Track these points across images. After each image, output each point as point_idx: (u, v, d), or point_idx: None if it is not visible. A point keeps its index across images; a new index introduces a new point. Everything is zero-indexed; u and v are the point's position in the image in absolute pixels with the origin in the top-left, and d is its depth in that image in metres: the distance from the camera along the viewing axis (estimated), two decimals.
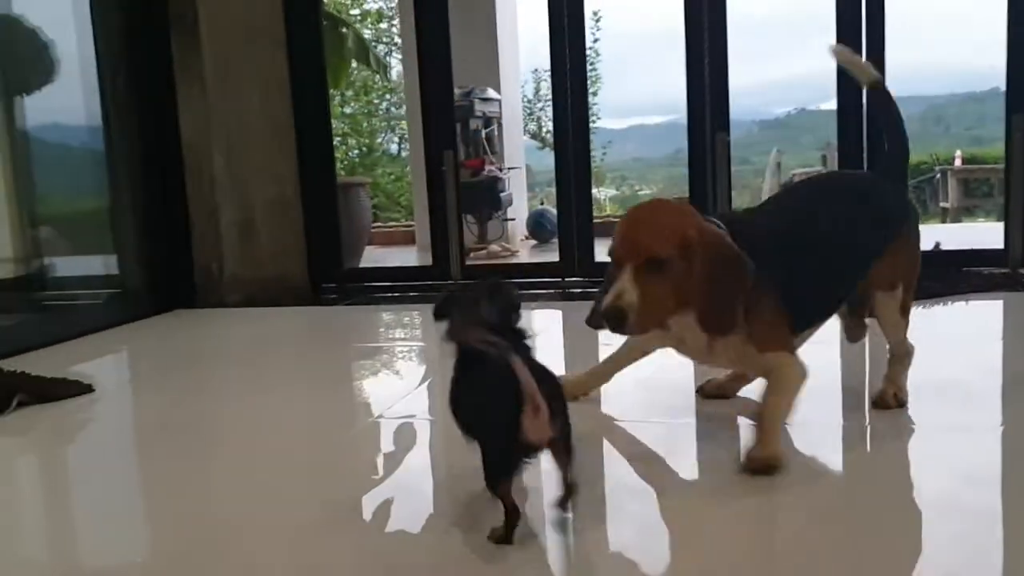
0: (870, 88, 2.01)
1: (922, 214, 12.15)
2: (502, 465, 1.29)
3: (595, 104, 11.37)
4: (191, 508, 1.61)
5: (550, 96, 4.36)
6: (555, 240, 4.69)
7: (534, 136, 14.04)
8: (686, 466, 1.72)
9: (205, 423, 2.21)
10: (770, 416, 1.62)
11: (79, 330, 3.37)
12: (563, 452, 1.32)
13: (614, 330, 1.54)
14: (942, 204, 10.63)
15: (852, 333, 2.00)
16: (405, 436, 1.99)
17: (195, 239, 3.98)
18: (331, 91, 5.40)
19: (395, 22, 13.11)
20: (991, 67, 3.66)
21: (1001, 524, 1.37)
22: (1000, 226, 3.74)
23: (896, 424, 1.82)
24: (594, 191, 12.35)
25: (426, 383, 2.45)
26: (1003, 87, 3.64)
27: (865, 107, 3.69)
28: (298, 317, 3.77)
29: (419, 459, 1.86)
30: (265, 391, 2.48)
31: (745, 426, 1.83)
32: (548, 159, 11.81)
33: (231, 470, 1.85)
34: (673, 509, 1.47)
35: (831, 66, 3.62)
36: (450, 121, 4.34)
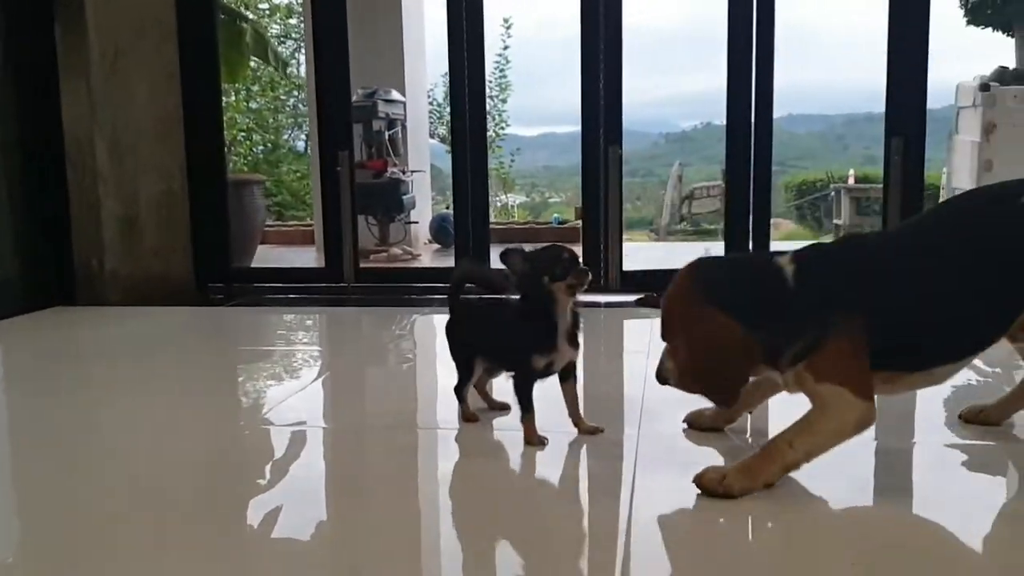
0: None
1: (817, 230, 12.57)
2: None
3: (505, 111, 11.47)
4: (61, 511, 1.55)
5: None
6: None
7: (443, 140, 14.00)
8: None
9: (79, 425, 2.13)
10: (773, 451, 1.52)
11: None
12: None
13: (664, 384, 1.63)
14: (835, 221, 10.99)
15: None
16: (291, 441, 1.95)
17: (75, 234, 3.84)
18: (234, 86, 5.29)
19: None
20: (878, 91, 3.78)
21: None
22: None
23: None
24: (503, 197, 12.38)
25: (310, 387, 2.42)
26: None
27: (753, 124, 3.79)
28: (181, 317, 3.66)
29: (306, 464, 1.83)
30: (143, 392, 2.41)
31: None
32: None
33: (106, 473, 1.78)
34: None
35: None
36: (346, 121, 4.28)
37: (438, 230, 7.06)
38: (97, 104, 3.76)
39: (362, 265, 4.36)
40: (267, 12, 13.64)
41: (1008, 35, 13.28)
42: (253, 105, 14.10)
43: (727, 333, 1.49)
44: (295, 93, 14.48)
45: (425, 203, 7.53)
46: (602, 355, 2.79)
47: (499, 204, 12.11)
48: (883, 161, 3.75)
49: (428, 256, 6.75)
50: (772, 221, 4.12)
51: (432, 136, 10.09)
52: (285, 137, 14.80)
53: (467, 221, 4.14)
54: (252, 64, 9.40)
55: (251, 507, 1.57)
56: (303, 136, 14.97)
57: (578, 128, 3.92)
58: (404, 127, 6.77)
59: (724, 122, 3.84)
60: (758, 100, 3.78)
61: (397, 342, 3.13)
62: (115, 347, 3.14)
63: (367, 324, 3.59)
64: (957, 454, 1.78)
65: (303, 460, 1.84)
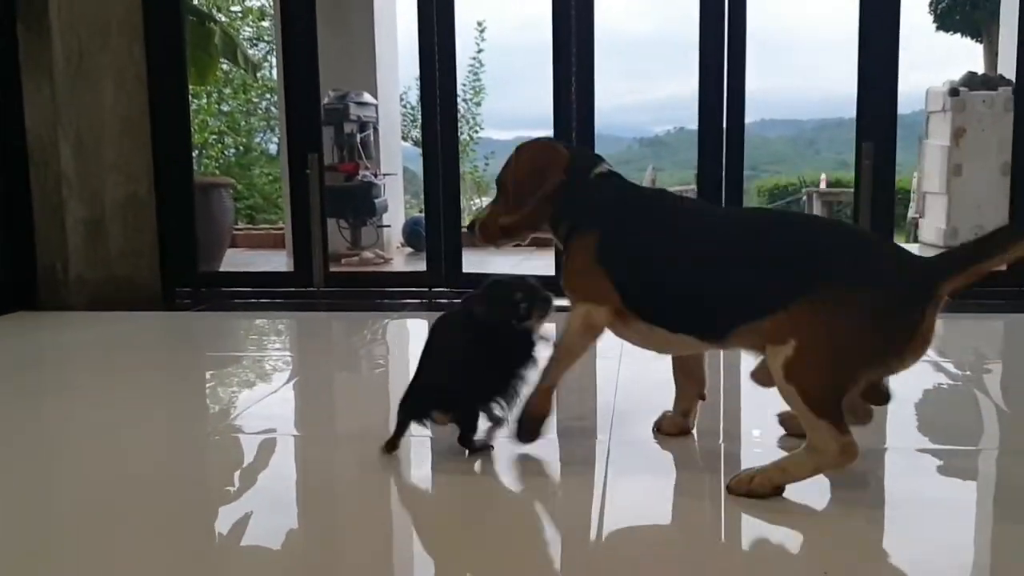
0: None
1: None
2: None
3: (479, 114, 11.41)
4: (21, 522, 1.51)
5: None
6: None
7: (417, 143, 13.95)
8: None
9: (40, 433, 2.07)
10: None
11: None
12: None
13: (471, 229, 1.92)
14: None
15: None
16: (261, 448, 1.91)
17: (38, 237, 3.77)
18: (206, 88, 5.22)
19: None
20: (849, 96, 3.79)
21: None
22: None
23: None
24: (477, 200, 12.35)
25: (280, 393, 2.38)
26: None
27: (725, 129, 3.80)
28: (147, 321, 3.60)
29: (275, 471, 1.78)
30: (108, 398, 2.36)
31: None
32: None
33: (68, 480, 1.74)
34: None
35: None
36: (316, 123, 4.24)
37: (411, 234, 7.00)
38: (61, 105, 3.69)
39: (333, 269, 4.32)
40: (239, 15, 13.53)
41: (977, 41, 13.44)
42: (225, 108, 13.99)
43: (552, 154, 1.78)
44: (267, 96, 14.38)
45: (398, 206, 7.47)
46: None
47: (474, 207, 12.09)
48: (854, 165, 3.78)
49: (401, 260, 6.70)
50: None
51: (405, 139, 10.04)
52: (257, 140, 14.71)
53: (439, 225, 4.11)
54: (223, 67, 9.31)
55: (220, 515, 1.53)
56: (275, 139, 14.87)
57: (551, 132, 3.90)
58: (376, 130, 6.71)
59: (696, 127, 3.84)
60: (730, 105, 3.78)
61: (369, 347, 3.10)
62: (79, 353, 3.08)
63: (337, 329, 3.55)
64: (929, 459, 1.78)
65: (273, 467, 1.81)
